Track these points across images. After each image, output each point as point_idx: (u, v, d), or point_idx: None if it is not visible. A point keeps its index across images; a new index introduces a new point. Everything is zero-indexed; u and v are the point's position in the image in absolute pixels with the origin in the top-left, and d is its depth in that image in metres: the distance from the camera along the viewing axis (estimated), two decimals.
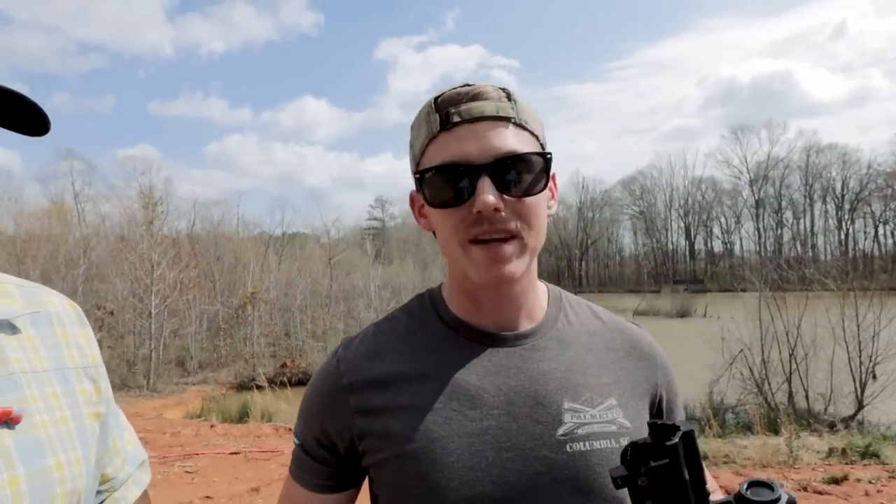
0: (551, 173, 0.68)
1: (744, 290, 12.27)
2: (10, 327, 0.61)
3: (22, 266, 18.99)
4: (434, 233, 0.71)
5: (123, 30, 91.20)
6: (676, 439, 0.52)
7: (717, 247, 67.61)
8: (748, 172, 63.41)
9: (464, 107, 0.64)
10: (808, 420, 8.58)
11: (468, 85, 0.66)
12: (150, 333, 17.02)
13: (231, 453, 5.87)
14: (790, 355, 9.89)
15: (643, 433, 0.65)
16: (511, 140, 0.63)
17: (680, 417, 0.79)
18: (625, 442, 0.64)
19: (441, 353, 0.69)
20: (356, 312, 23.04)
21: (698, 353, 10.88)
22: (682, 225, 68.82)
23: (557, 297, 0.78)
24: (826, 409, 9.46)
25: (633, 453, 0.53)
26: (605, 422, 0.68)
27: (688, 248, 68.56)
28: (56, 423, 0.60)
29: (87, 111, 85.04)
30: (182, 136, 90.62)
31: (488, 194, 0.61)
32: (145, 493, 0.76)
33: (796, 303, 10.16)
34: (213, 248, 27.05)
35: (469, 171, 0.62)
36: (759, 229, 62.57)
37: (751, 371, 10.12)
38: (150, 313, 17.18)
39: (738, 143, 63.76)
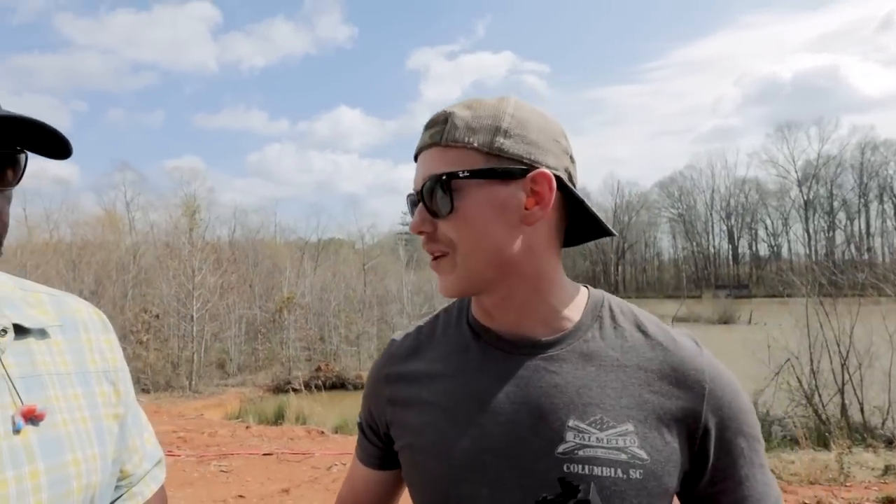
0: (532, 174, 0.65)
1: (791, 296, 11.69)
2: (42, 333, 0.67)
3: (77, 271, 20.12)
4: None
5: (172, 49, 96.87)
6: None
7: (763, 250, 64.93)
8: (796, 172, 60.61)
9: (421, 137, 0.70)
10: (862, 435, 8.06)
11: (439, 111, 0.71)
12: (192, 336, 17.68)
13: (264, 454, 6.01)
14: (842, 365, 9.33)
15: (667, 470, 0.63)
16: (434, 166, 0.67)
17: (747, 465, 0.66)
18: (635, 475, 0.61)
19: (462, 356, 0.72)
20: (389, 317, 23.26)
21: (742, 362, 10.42)
22: (725, 227, 66.39)
23: (597, 306, 0.72)
24: (884, 424, 8.87)
25: None
26: (613, 448, 0.62)
27: (731, 251, 66.03)
28: (76, 422, 0.64)
29: (139, 125, 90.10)
30: (225, 146, 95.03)
31: (415, 219, 0.68)
32: (162, 489, 0.80)
33: (848, 309, 9.58)
34: (252, 254, 27.92)
35: (412, 198, 0.70)
36: (808, 231, 59.58)
37: (799, 382, 9.60)
38: (192, 317, 17.85)
39: (785, 142, 61.09)
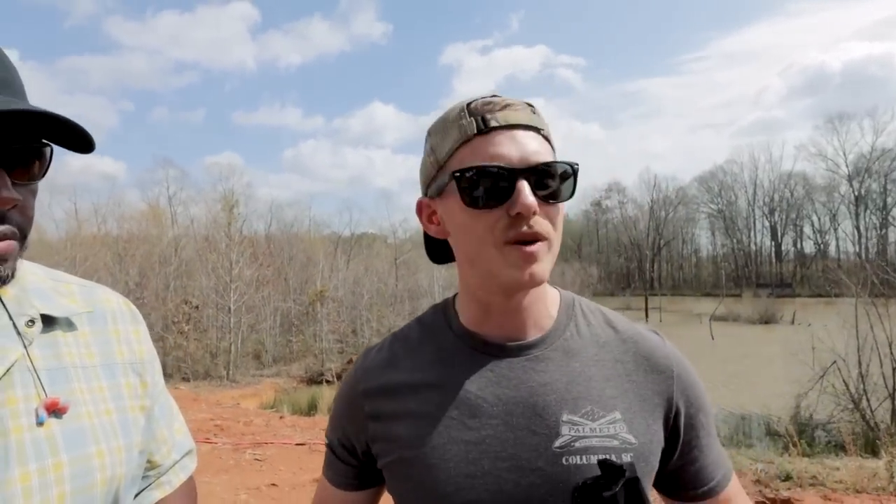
0: None
1: (838, 296, 11.14)
2: (69, 324, 0.68)
3: (122, 264, 21.09)
4: (447, 240, 0.74)
5: (213, 48, 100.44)
6: (617, 488, 0.52)
7: (809, 248, 61.95)
8: (846, 166, 57.41)
9: (500, 114, 0.66)
10: None
11: (496, 96, 0.69)
12: (229, 327, 18.25)
13: (297, 444, 6.16)
14: (894, 369, 8.84)
15: (651, 450, 0.68)
16: (542, 148, 0.67)
17: (706, 436, 0.74)
18: (627, 458, 0.64)
19: (447, 364, 0.72)
20: (420, 311, 23.29)
21: (780, 364, 9.99)
22: (768, 224, 63.64)
23: (570, 305, 0.75)
24: None
25: (582, 493, 0.55)
26: (606, 436, 0.66)
27: (773, 248, 63.27)
28: (100, 414, 0.65)
29: (181, 123, 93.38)
30: (262, 143, 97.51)
31: (529, 198, 0.63)
32: (191, 479, 0.81)
33: None
34: (287, 248, 28.58)
35: (509, 173, 0.64)
36: (858, 228, 56.40)
37: (846, 385, 9.15)
38: (230, 308, 18.42)
39: (836, 134, 57.83)
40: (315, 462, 5.40)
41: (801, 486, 5.07)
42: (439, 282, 23.86)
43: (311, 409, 10.23)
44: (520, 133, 0.66)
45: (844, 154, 57.31)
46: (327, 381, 16.13)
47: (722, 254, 66.06)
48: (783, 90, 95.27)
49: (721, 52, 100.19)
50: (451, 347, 0.72)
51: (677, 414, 0.71)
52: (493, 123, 0.65)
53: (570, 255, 58.41)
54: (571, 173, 0.67)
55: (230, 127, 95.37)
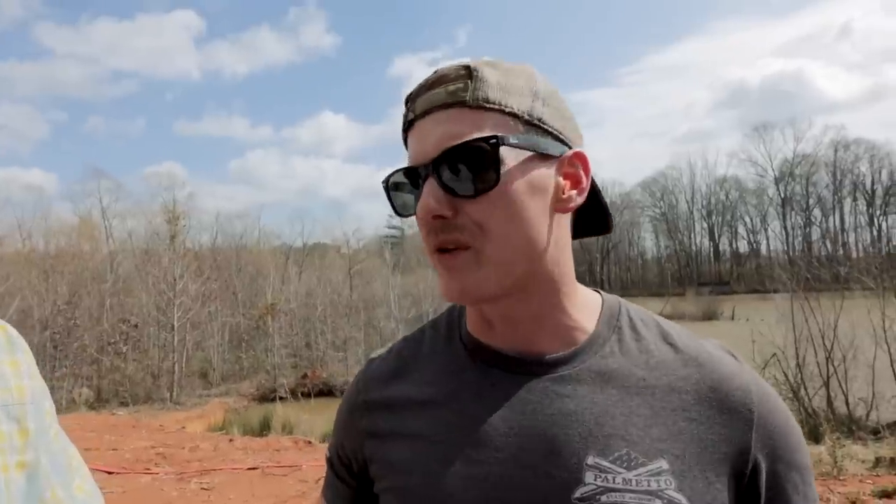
0: (567, 154, 0.56)
1: (775, 291, 11.81)
2: None
3: (50, 281, 19.48)
4: None
5: (155, 58, 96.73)
6: None
7: (743, 247, 66.02)
8: (773, 170, 61.89)
9: (420, 99, 0.55)
10: (849, 427, 8.13)
11: (436, 71, 0.56)
12: (172, 346, 17.24)
13: (249, 468, 5.78)
14: (827, 358, 9.44)
15: None
16: (459, 128, 0.52)
17: (799, 502, 0.54)
18: None
19: (456, 378, 0.59)
20: (377, 322, 23.02)
21: None
22: (706, 226, 67.42)
23: (614, 315, 0.60)
24: (868, 415, 8.97)
25: None
26: (645, 492, 0.49)
27: (712, 249, 67.03)
28: None
29: (119, 133, 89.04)
30: (207, 153, 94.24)
31: (426, 200, 0.52)
32: None
33: (831, 304, 9.70)
34: (235, 261, 27.42)
35: (418, 173, 0.54)
36: (786, 228, 60.81)
37: (785, 375, 9.68)
38: (173, 326, 17.41)
39: (762, 141, 62.36)
40: (269, 487, 5.07)
41: None
42: (395, 290, 23.54)
43: (264, 428, 9.71)
44: (434, 118, 0.53)
45: (770, 159, 61.83)
46: (280, 398, 15.49)
47: (666, 255, 69.25)
48: (710, 103, 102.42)
49: (654, 66, 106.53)
50: (462, 359, 0.60)
51: (755, 471, 0.53)
52: (411, 116, 0.56)
53: None
54: (488, 150, 0.51)
55: (172, 137, 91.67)
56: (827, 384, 9.41)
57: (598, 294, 0.63)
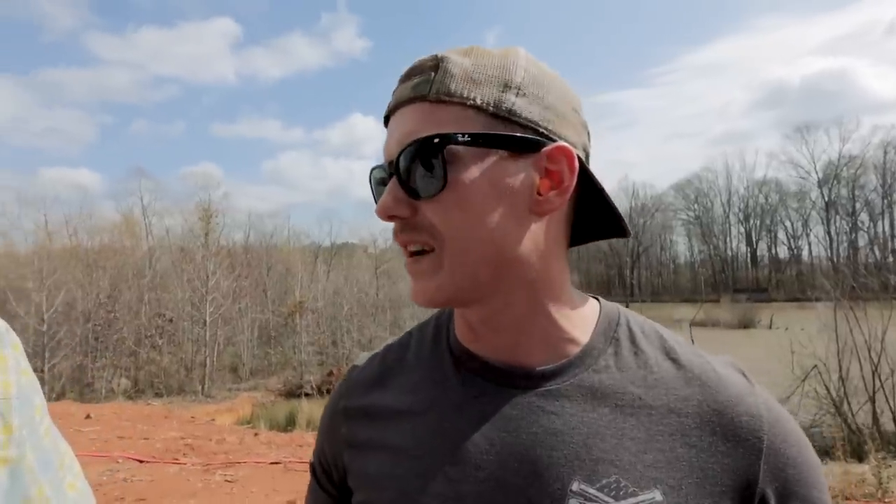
0: (547, 148, 0.49)
1: (817, 300, 11.28)
2: None
3: (93, 276, 20.35)
4: None
5: (194, 63, 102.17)
6: None
7: (783, 253, 63.54)
8: (816, 172, 59.26)
9: (394, 94, 0.53)
10: None
11: (420, 59, 0.53)
12: (205, 341, 17.74)
13: (271, 463, 5.86)
14: (874, 372, 8.94)
15: None
16: (417, 126, 0.49)
17: None
18: None
19: (439, 388, 0.55)
20: (402, 322, 23.14)
21: (763, 368, 10.04)
22: (743, 230, 65.15)
23: (611, 325, 0.55)
24: None
25: None
26: None
27: (749, 254, 64.72)
28: None
29: (160, 135, 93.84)
30: (241, 154, 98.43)
31: (385, 199, 0.50)
32: None
33: (878, 314, 9.19)
34: (266, 259, 28.05)
35: (384, 173, 0.53)
36: (830, 233, 58.12)
37: (827, 389, 9.22)
38: (205, 321, 17.91)
39: (805, 142, 59.78)
40: (290, 482, 5.12)
41: None
42: None
43: (289, 424, 9.88)
44: (401, 113, 0.51)
45: (814, 161, 59.20)
46: (306, 395, 15.73)
47: (699, 260, 67.28)
48: (746, 103, 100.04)
49: (690, 65, 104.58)
50: (446, 368, 0.56)
51: None
52: (386, 112, 0.53)
53: None
54: (436, 149, 0.47)
55: (209, 139, 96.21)
56: (873, 399, 8.91)
57: (596, 302, 0.58)
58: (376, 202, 0.53)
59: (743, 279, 61.99)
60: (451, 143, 0.47)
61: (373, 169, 0.56)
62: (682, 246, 69.31)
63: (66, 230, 25.96)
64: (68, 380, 16.20)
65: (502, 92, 0.48)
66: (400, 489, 0.51)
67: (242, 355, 20.63)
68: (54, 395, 14.68)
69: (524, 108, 0.49)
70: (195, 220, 22.53)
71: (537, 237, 0.50)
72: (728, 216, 65.46)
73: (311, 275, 27.22)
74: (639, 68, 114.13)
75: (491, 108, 0.48)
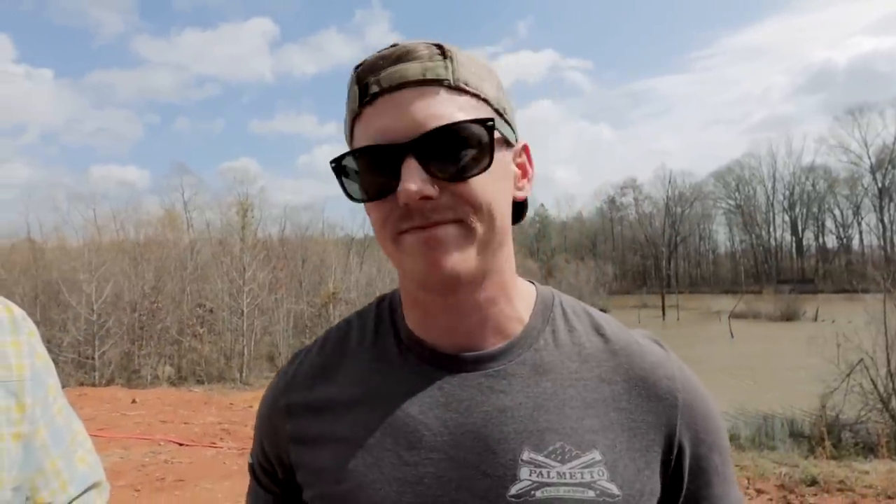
0: (518, 145, 0.58)
1: (865, 291, 10.73)
2: None
3: (138, 268, 21.35)
4: None
5: (233, 63, 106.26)
6: None
7: (831, 242, 60.47)
8: (869, 157, 55.88)
9: (384, 73, 0.51)
10: None
11: (395, 45, 0.53)
12: (242, 330, 18.36)
13: None
14: None
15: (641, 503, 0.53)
16: (443, 108, 0.50)
17: (719, 483, 0.56)
18: None
19: (387, 376, 0.57)
20: None
21: (808, 362, 9.65)
22: (788, 219, 62.30)
23: (547, 306, 0.59)
24: None
25: None
26: (579, 484, 0.50)
27: (794, 243, 61.86)
28: None
29: (202, 132, 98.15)
30: (278, 149, 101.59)
31: (413, 181, 0.49)
32: None
33: None
34: (301, 251, 28.72)
35: (391, 152, 0.50)
36: (883, 222, 54.84)
37: (874, 384, 8.78)
38: (243, 311, 18.53)
39: (856, 126, 56.31)
40: None
41: (827, 492, 4.80)
42: None
43: None
44: (409, 94, 0.50)
45: (866, 145, 55.82)
46: None
47: (741, 250, 64.81)
48: (788, 87, 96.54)
49: (730, 48, 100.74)
50: (393, 355, 0.58)
51: (680, 454, 0.55)
52: (375, 88, 0.51)
53: (584, 253, 57.85)
54: (484, 133, 0.50)
55: (247, 135, 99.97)
56: None
57: (532, 285, 0.62)
58: (361, 188, 0.52)
59: (787, 270, 59.36)
60: (496, 128, 0.51)
61: (347, 154, 0.53)
62: (723, 235, 67.05)
63: (114, 224, 27.31)
64: (117, 366, 17.10)
65: (498, 91, 0.54)
66: (357, 480, 0.53)
67: (278, 344, 21.24)
68: (104, 380, 15.53)
69: (509, 108, 0.56)
70: (233, 213, 23.27)
71: (509, 221, 0.56)
72: (772, 204, 62.78)
73: (345, 266, 27.71)
74: (675, 53, 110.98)
75: (495, 104, 0.53)
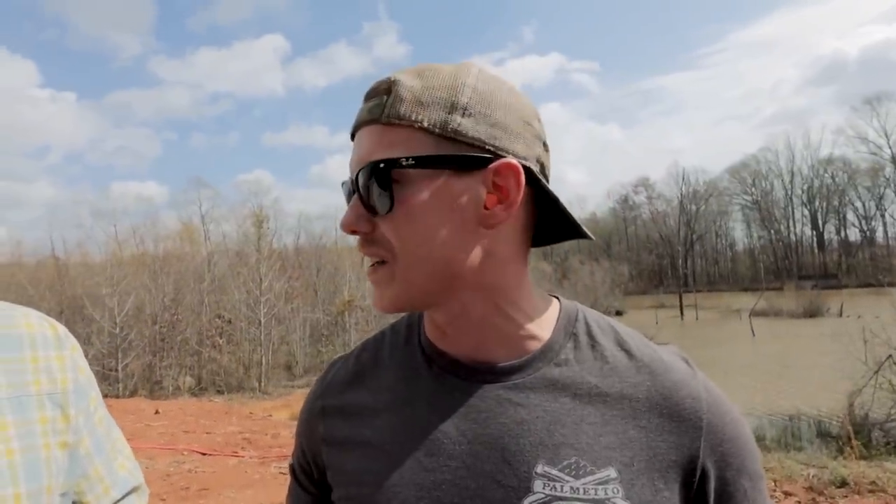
0: (494, 164, 0.52)
1: (892, 285, 10.47)
2: None
3: (158, 281, 21.75)
4: None
5: (246, 79, 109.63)
6: None
7: (853, 235, 59.06)
8: (890, 147, 54.59)
9: (356, 116, 0.57)
10: None
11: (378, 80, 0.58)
12: (260, 340, 18.56)
13: None
14: None
15: None
16: (369, 148, 0.53)
17: None
18: None
19: (411, 385, 0.59)
20: None
21: (833, 359, 9.42)
22: (807, 213, 61.04)
23: (570, 321, 0.60)
24: None
25: None
26: (592, 500, 0.50)
27: (815, 238, 60.58)
28: None
29: (217, 147, 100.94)
30: (291, 161, 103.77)
31: (346, 216, 0.55)
32: None
33: None
34: (315, 260, 28.98)
35: (348, 190, 0.58)
36: None
37: None
38: (260, 321, 18.73)
39: (876, 115, 55.12)
40: None
41: (858, 493, 4.68)
42: None
43: None
44: (361, 133, 0.55)
45: (886, 135, 54.55)
46: None
47: (759, 246, 63.67)
48: (798, 80, 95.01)
49: (738, 43, 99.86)
50: (419, 365, 0.60)
51: (704, 478, 0.53)
52: (353, 126, 0.57)
53: (599, 254, 57.32)
54: (383, 172, 0.51)
55: (261, 148, 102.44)
56: None
57: (555, 301, 0.62)
58: None
59: (809, 265, 58.14)
60: (397, 167, 0.51)
61: (343, 183, 0.60)
62: (740, 232, 65.89)
63: (134, 239, 27.91)
64: (139, 378, 17.40)
65: (448, 113, 0.51)
66: (377, 483, 0.55)
67: (296, 353, 21.42)
68: (127, 392, 15.82)
69: (470, 127, 0.51)
70: (249, 225, 23.61)
71: (490, 247, 0.54)
72: (790, 198, 61.58)
73: (359, 274, 27.86)
74: (682, 51, 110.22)
75: (437, 130, 0.51)
